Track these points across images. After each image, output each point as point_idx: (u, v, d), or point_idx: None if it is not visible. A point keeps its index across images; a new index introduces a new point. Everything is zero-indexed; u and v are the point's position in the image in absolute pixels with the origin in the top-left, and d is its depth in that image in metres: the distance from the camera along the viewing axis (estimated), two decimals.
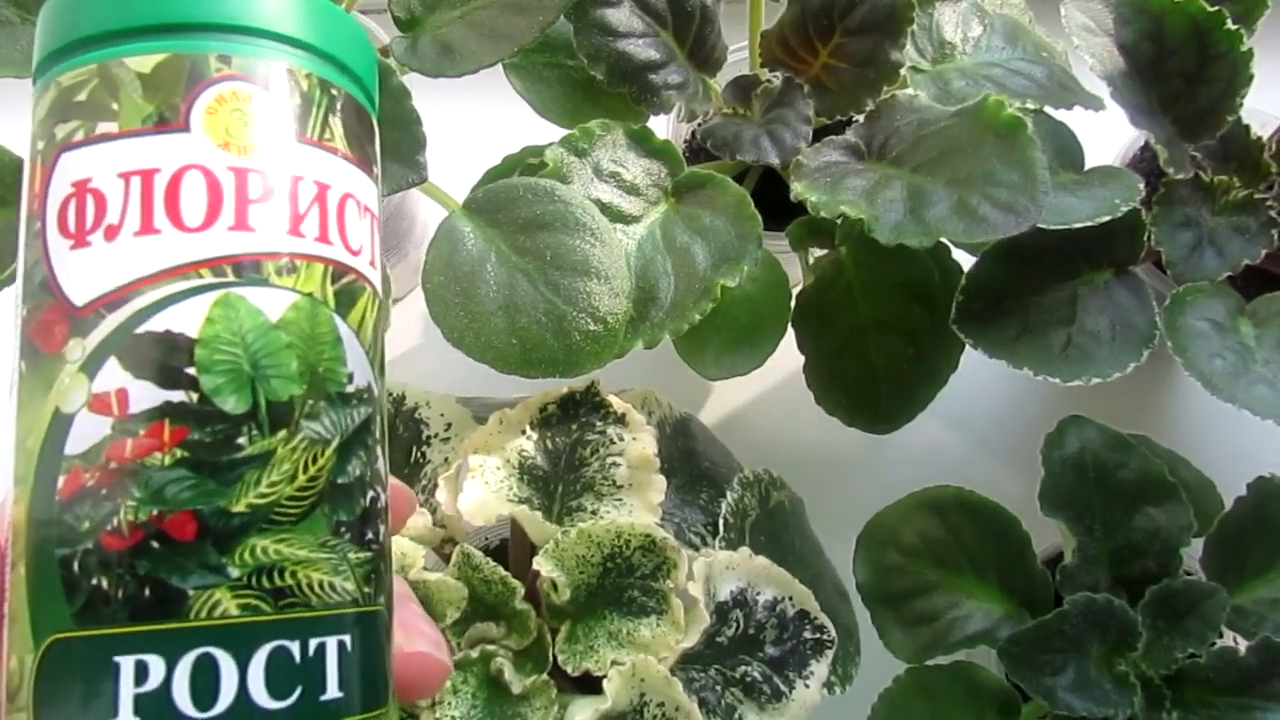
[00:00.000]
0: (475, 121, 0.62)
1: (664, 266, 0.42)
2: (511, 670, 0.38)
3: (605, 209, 0.42)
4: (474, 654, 0.38)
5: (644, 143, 0.44)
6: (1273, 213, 0.47)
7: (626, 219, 0.43)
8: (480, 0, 0.43)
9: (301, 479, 0.22)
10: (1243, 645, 0.42)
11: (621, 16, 0.45)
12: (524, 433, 0.42)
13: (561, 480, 0.42)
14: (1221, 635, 0.45)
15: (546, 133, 0.47)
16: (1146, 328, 0.44)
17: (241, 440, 0.22)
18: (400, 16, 0.43)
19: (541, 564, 0.38)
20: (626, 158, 0.44)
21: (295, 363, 0.23)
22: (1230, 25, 0.44)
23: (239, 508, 0.22)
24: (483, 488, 0.40)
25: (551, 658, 0.39)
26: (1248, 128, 0.47)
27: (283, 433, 0.22)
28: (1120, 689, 0.41)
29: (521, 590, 0.39)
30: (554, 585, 0.39)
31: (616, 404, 0.42)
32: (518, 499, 0.41)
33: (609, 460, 0.41)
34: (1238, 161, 0.48)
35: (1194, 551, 0.44)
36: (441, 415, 0.45)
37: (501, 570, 0.39)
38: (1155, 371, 0.60)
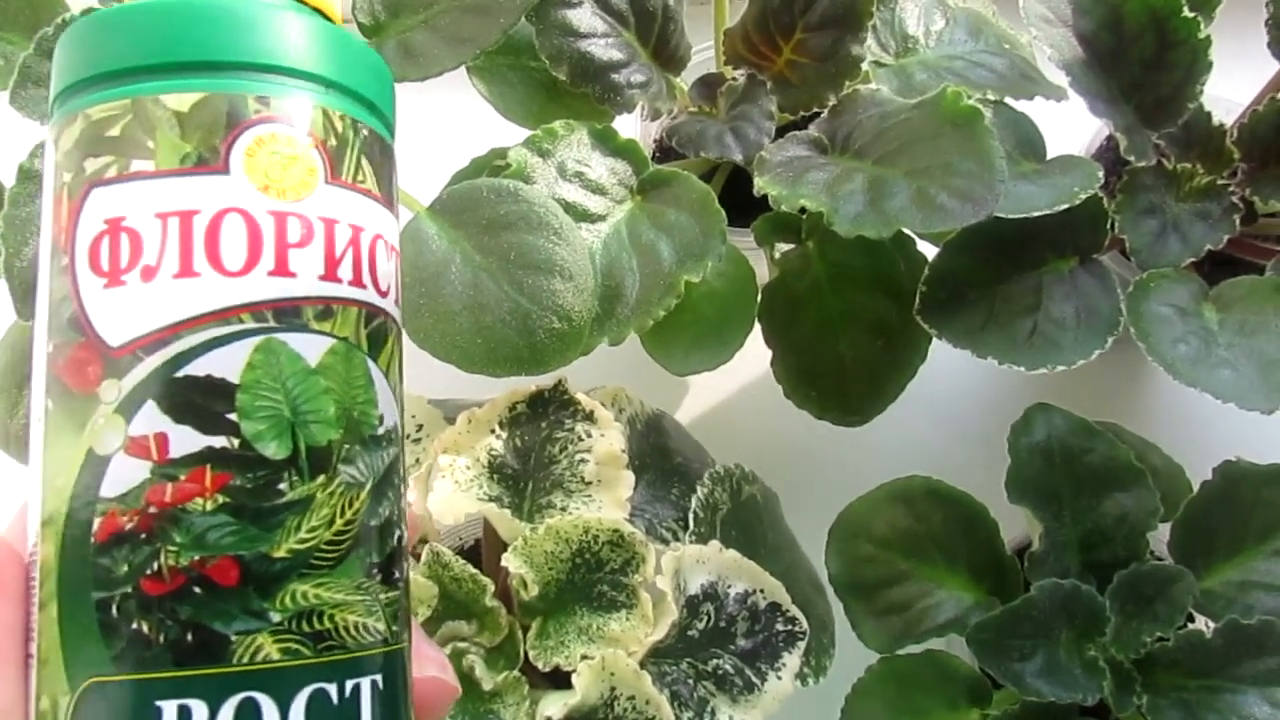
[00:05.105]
0: (441, 124, 0.62)
1: (629, 264, 0.43)
2: (483, 667, 0.38)
3: (570, 208, 0.43)
4: (446, 652, 0.38)
5: (608, 142, 0.45)
6: (1235, 198, 0.47)
7: (592, 217, 0.44)
8: (442, 4, 0.43)
9: (339, 523, 0.22)
10: (1211, 628, 0.42)
11: (583, 17, 0.45)
12: (493, 431, 0.42)
13: (531, 478, 0.42)
14: (1191, 619, 0.45)
15: (514, 134, 0.47)
16: (1111, 315, 0.44)
17: (282, 486, 0.22)
18: (364, 22, 0.44)
19: (510, 561, 0.39)
20: (590, 157, 0.44)
21: (333, 408, 0.23)
22: (1188, 12, 0.45)
23: (280, 553, 0.22)
24: (452, 486, 0.41)
25: (523, 654, 0.39)
26: (1209, 114, 0.48)
27: (322, 478, 0.22)
28: (1089, 674, 0.41)
29: (491, 587, 0.39)
30: (524, 582, 0.39)
31: (584, 401, 0.42)
32: (487, 497, 0.41)
33: (577, 457, 0.42)
34: (1200, 148, 0.48)
35: (1162, 536, 0.45)
36: (413, 417, 0.45)
37: (471, 568, 0.39)
38: (1126, 358, 0.61)
